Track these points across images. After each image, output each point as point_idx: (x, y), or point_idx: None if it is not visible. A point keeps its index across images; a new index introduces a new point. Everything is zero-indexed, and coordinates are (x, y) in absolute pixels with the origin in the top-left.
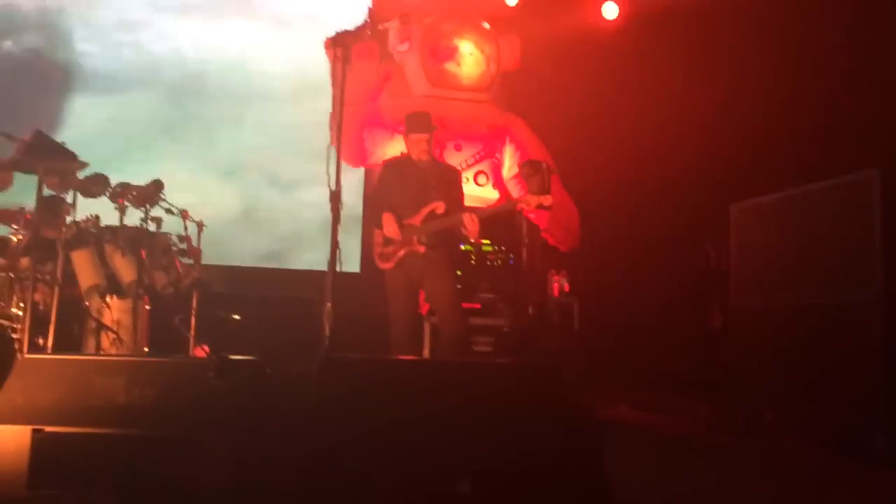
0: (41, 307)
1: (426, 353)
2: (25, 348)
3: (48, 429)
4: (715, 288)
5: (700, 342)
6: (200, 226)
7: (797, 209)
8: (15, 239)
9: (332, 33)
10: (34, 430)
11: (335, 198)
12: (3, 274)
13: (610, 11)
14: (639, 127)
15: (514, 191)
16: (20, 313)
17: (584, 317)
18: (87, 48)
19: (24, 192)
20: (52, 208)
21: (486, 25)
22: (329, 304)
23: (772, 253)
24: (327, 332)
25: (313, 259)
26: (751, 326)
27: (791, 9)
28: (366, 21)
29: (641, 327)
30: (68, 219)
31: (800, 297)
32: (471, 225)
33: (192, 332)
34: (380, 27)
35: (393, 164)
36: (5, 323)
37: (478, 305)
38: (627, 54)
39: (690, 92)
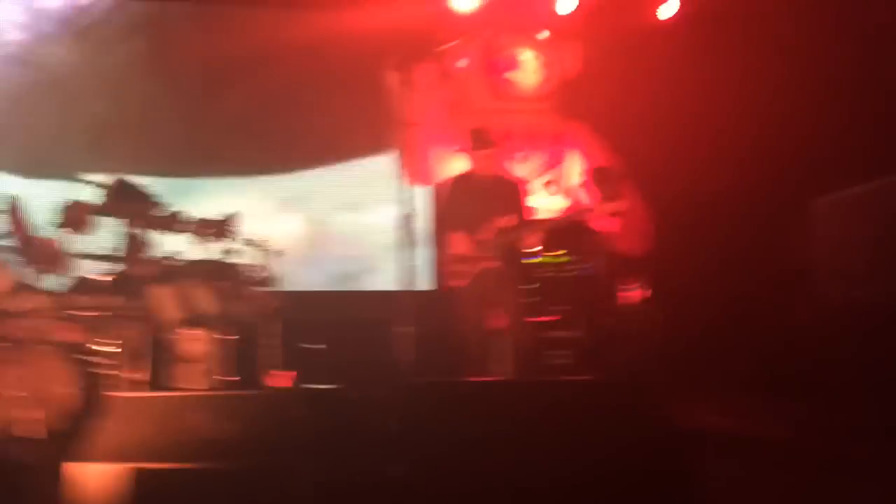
0: (131, 344)
1: (500, 370)
2: (120, 386)
3: (142, 466)
4: (798, 286)
5: (789, 342)
6: (278, 254)
7: (883, 201)
8: (104, 279)
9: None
10: (127, 468)
11: (408, 219)
12: (96, 312)
13: (667, 11)
14: (710, 124)
15: (584, 198)
16: (110, 350)
17: (664, 323)
18: None
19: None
20: (136, 247)
21: (545, 34)
22: (409, 326)
23: (857, 248)
24: (409, 355)
25: (384, 279)
26: (840, 324)
27: None
28: (426, 43)
29: (726, 329)
30: (152, 255)
31: (889, 291)
32: (533, 241)
33: (278, 361)
34: (439, 49)
35: (459, 181)
36: (99, 360)
37: (555, 318)
38: (691, 52)
39: (764, 85)
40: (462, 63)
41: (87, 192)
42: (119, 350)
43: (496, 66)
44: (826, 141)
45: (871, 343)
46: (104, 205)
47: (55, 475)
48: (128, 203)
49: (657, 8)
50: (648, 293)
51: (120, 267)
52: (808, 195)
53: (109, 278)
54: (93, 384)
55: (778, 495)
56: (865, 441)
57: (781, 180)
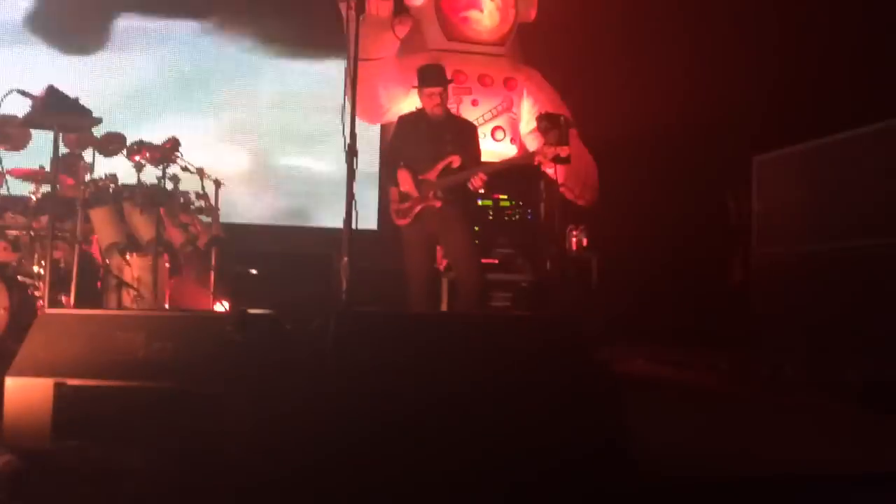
0: (62, 265)
1: (444, 308)
2: (46, 304)
3: (70, 382)
4: (736, 241)
5: (720, 296)
6: (218, 184)
7: (820, 159)
8: (34, 198)
9: None
10: (56, 384)
11: (350, 153)
12: (24, 232)
13: None
14: (658, 78)
15: (532, 145)
16: (41, 271)
17: (602, 271)
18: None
19: (41, 151)
20: (69, 166)
21: None
22: (346, 259)
23: (795, 204)
24: (344, 286)
25: (331, 216)
26: (773, 278)
27: None
28: None
29: (661, 281)
30: (86, 177)
31: (822, 246)
32: (476, 182)
33: (212, 288)
34: None
35: (408, 120)
36: (27, 281)
37: (496, 261)
38: (645, 6)
39: (711, 41)
40: (418, 1)
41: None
42: (46, 270)
43: (455, 3)
44: (766, 100)
45: (799, 297)
46: (31, 115)
47: None
48: (59, 114)
49: None
50: (588, 240)
51: (50, 185)
52: (748, 152)
53: (39, 196)
54: (22, 303)
55: (695, 439)
56: (789, 392)
57: (724, 136)
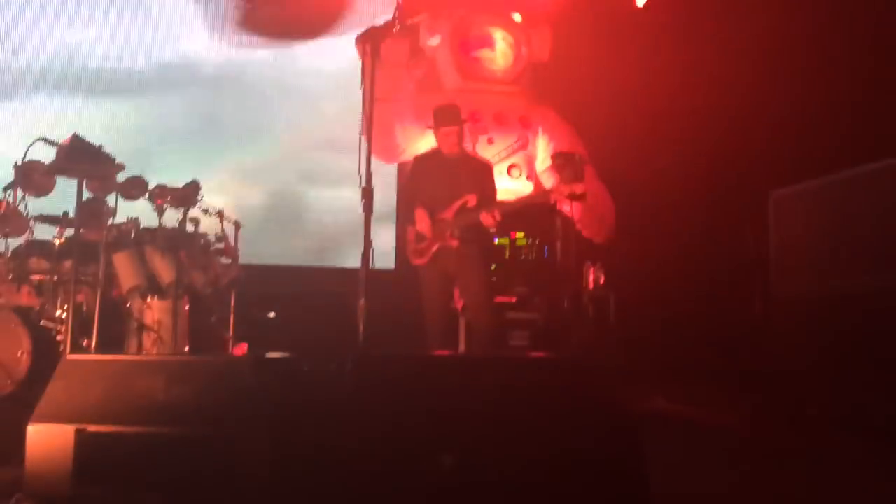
0: (84, 309)
1: (461, 348)
2: (69, 349)
3: (91, 428)
4: (755, 277)
5: (740, 333)
6: (237, 225)
7: (838, 195)
8: (58, 242)
9: (362, 29)
10: (77, 430)
11: (367, 194)
12: (48, 277)
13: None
14: (674, 115)
15: (548, 182)
16: (64, 316)
17: (620, 309)
18: (116, 49)
19: (66, 197)
20: (92, 211)
21: (517, 17)
22: (363, 301)
23: (813, 240)
24: (361, 328)
25: (349, 256)
26: (793, 316)
27: None
28: (395, 16)
29: (680, 319)
30: (109, 221)
31: (844, 284)
32: (488, 221)
33: (231, 331)
34: (409, 22)
35: (424, 159)
36: (50, 325)
37: (513, 299)
38: (660, 42)
39: (725, 78)
40: (433, 41)
41: (41, 150)
42: (69, 314)
43: (468, 43)
44: (785, 135)
45: (821, 335)
46: (56, 163)
47: (12, 435)
48: (82, 162)
49: None
50: (605, 278)
51: (74, 230)
52: (766, 187)
53: (63, 241)
54: (44, 347)
55: (719, 481)
56: (811, 432)
57: (741, 172)
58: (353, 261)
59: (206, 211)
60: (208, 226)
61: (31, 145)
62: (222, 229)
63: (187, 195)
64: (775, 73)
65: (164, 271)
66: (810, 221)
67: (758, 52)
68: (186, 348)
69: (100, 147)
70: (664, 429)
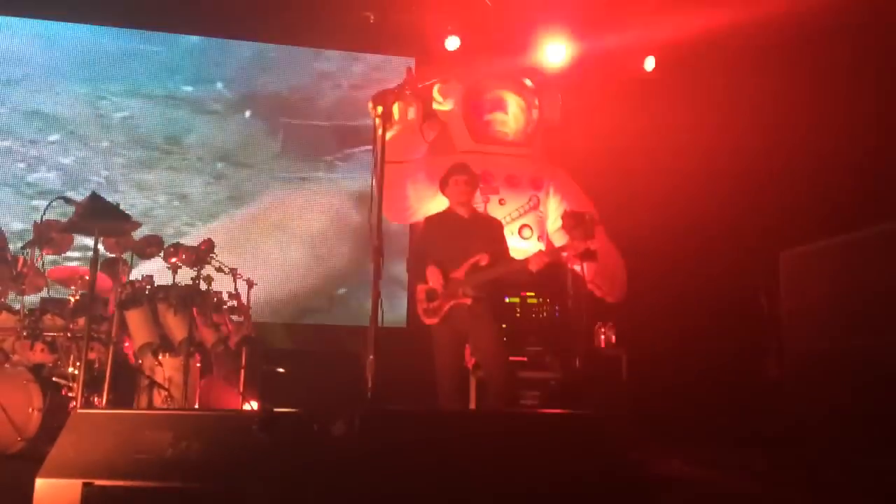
0: (96, 366)
1: (472, 406)
2: (79, 405)
3: (98, 482)
4: (769, 336)
5: (756, 393)
6: (250, 283)
7: (850, 255)
8: (72, 299)
9: (374, 92)
10: (84, 484)
11: (376, 252)
12: (61, 334)
13: (650, 64)
14: (684, 177)
15: (559, 242)
16: (76, 372)
17: (632, 368)
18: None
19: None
20: (109, 269)
21: (528, 82)
22: (372, 358)
23: (826, 299)
24: (370, 385)
25: (359, 315)
26: (809, 374)
27: (833, 48)
28: (406, 80)
29: (693, 379)
30: (125, 279)
31: (858, 341)
32: (539, 264)
33: (241, 387)
34: (420, 86)
35: (435, 219)
36: (62, 382)
37: (524, 358)
38: (669, 104)
39: (735, 139)
40: (446, 105)
41: (58, 209)
42: (81, 371)
43: (481, 106)
44: (795, 194)
45: (838, 392)
46: (73, 221)
47: (23, 491)
48: (99, 220)
49: (641, 60)
50: (617, 337)
51: (88, 288)
52: (777, 247)
53: (77, 299)
54: (55, 404)
55: None
56: (832, 495)
57: (751, 232)
58: (363, 319)
59: (219, 269)
60: (221, 284)
61: (50, 203)
62: (235, 287)
63: (201, 254)
64: (785, 133)
65: (177, 329)
66: (821, 281)
67: (768, 113)
68: (196, 405)
69: (117, 205)
70: (677, 491)
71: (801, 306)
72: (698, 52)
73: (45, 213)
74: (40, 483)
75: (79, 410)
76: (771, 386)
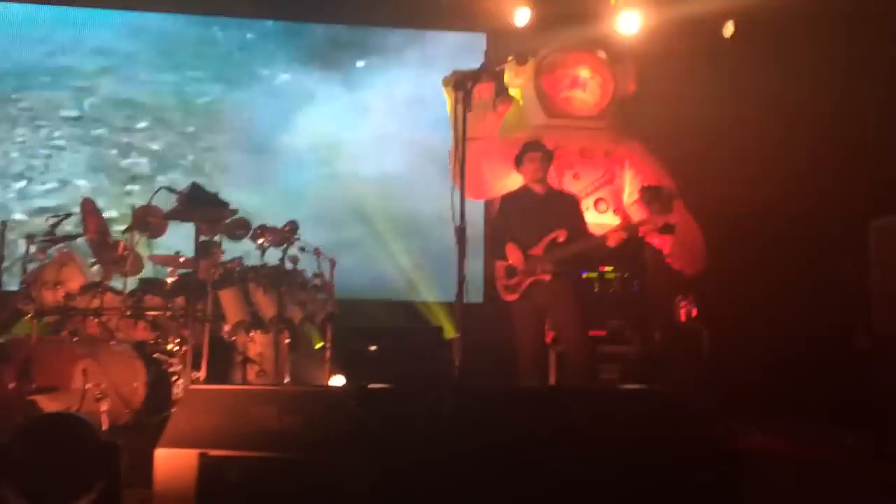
0: (193, 343)
1: (552, 380)
2: (188, 380)
3: (212, 452)
4: (857, 308)
5: (844, 366)
6: (333, 262)
7: None
8: (170, 280)
9: (448, 73)
10: (200, 454)
11: (460, 233)
12: (161, 313)
13: (729, 29)
14: (764, 146)
15: (636, 216)
16: (175, 349)
17: (714, 343)
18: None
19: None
20: (206, 251)
21: (602, 54)
22: (458, 335)
23: None
24: (457, 361)
25: (439, 291)
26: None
27: None
28: (483, 63)
29: (776, 352)
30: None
31: None
32: (617, 235)
33: (328, 363)
34: (497, 68)
35: (512, 197)
36: (163, 358)
37: (604, 333)
38: (751, 70)
39: (821, 105)
40: (518, 81)
41: (160, 195)
42: (181, 348)
43: (556, 82)
44: (885, 162)
45: None
46: (176, 209)
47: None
48: (199, 208)
49: (722, 24)
50: (697, 311)
51: (187, 269)
52: (865, 216)
53: (176, 279)
54: (157, 379)
55: None
56: None
57: (839, 201)
58: (443, 295)
59: (303, 249)
60: (306, 263)
61: (155, 193)
62: (318, 266)
63: (285, 235)
64: (872, 98)
65: (266, 307)
66: None
67: (854, 78)
68: (287, 379)
69: (215, 194)
70: (762, 463)
71: (890, 276)
72: (781, 15)
73: (150, 200)
74: (160, 452)
75: (191, 386)
76: (860, 359)
